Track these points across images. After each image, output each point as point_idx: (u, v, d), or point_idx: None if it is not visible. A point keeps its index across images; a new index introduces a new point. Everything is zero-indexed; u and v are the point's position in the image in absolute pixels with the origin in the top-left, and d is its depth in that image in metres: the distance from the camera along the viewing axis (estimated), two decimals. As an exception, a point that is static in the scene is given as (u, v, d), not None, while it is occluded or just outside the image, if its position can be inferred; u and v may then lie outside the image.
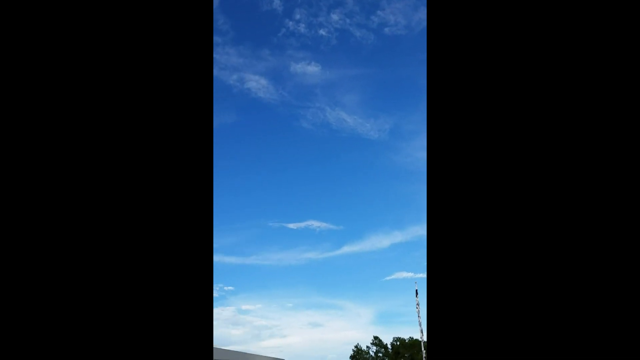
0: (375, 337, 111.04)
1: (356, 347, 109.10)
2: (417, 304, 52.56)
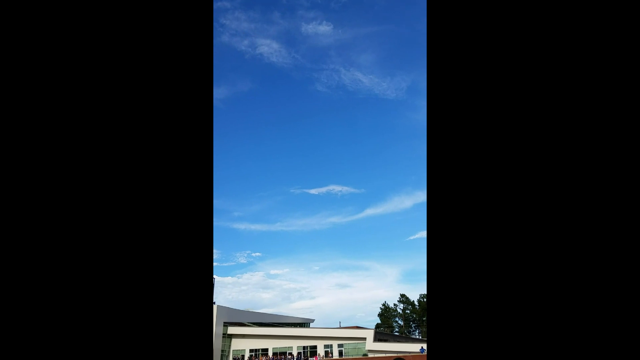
0: (402, 295, 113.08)
1: (384, 305, 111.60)
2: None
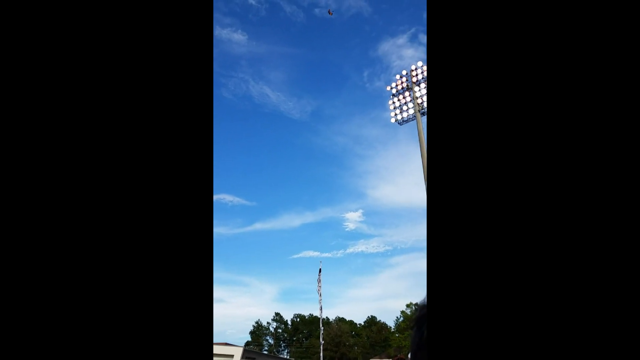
0: (277, 314, 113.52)
1: (257, 323, 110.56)
2: (319, 282, 53.77)
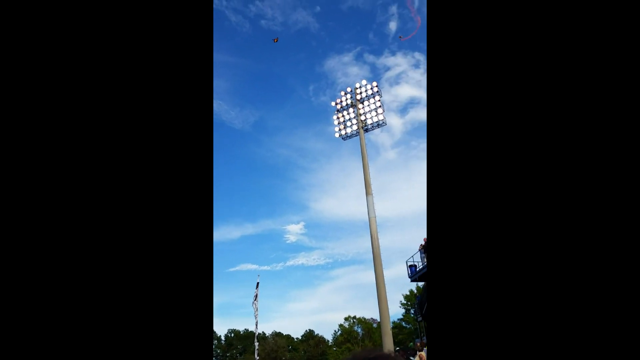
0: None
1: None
2: (256, 296, 52.59)
